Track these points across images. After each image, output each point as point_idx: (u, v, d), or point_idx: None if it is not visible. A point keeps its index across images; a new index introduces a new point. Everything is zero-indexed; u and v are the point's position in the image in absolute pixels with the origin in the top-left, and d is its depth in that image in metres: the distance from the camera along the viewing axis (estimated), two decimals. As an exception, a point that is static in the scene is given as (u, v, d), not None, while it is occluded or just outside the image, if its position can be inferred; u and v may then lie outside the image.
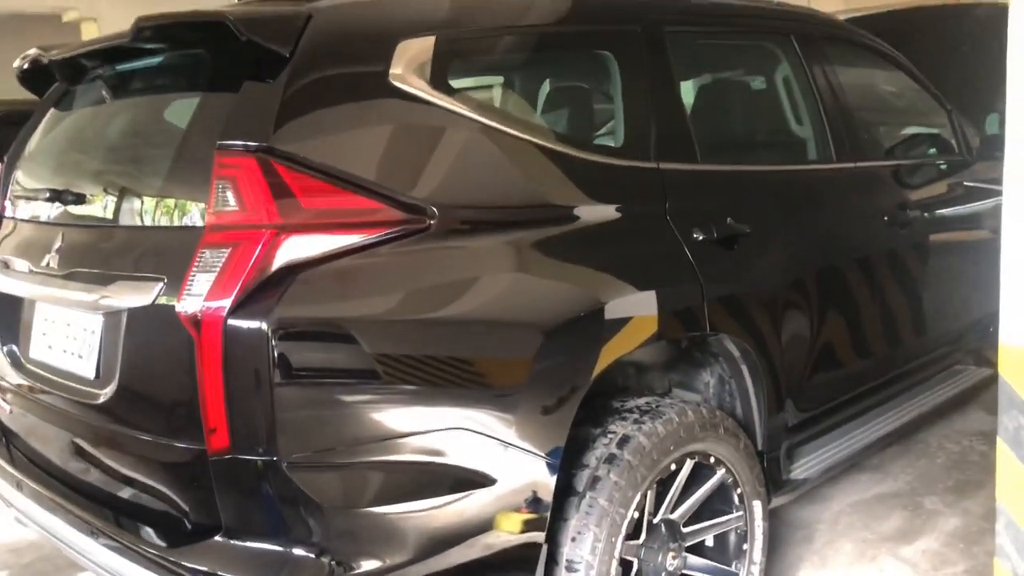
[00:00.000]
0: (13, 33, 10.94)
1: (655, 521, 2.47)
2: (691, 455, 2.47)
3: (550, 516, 2.21)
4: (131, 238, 2.15)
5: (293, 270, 1.83)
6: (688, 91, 2.95)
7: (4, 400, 2.67)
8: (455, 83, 2.18)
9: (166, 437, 1.97)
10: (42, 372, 2.38)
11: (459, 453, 1.99)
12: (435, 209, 2.01)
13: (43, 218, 2.47)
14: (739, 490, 2.63)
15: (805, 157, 3.20)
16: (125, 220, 2.18)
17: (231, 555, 1.88)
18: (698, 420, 2.46)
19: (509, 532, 2.08)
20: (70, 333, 2.24)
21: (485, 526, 2.05)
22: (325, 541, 1.88)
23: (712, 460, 2.54)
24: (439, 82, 2.12)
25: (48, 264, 2.32)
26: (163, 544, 1.98)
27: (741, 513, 2.65)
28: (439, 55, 2.13)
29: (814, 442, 3.09)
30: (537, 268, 2.15)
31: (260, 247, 1.80)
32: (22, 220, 2.59)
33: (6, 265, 2.54)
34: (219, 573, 1.86)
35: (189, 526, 1.98)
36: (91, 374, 2.15)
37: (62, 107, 2.67)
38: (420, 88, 2.08)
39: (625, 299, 2.28)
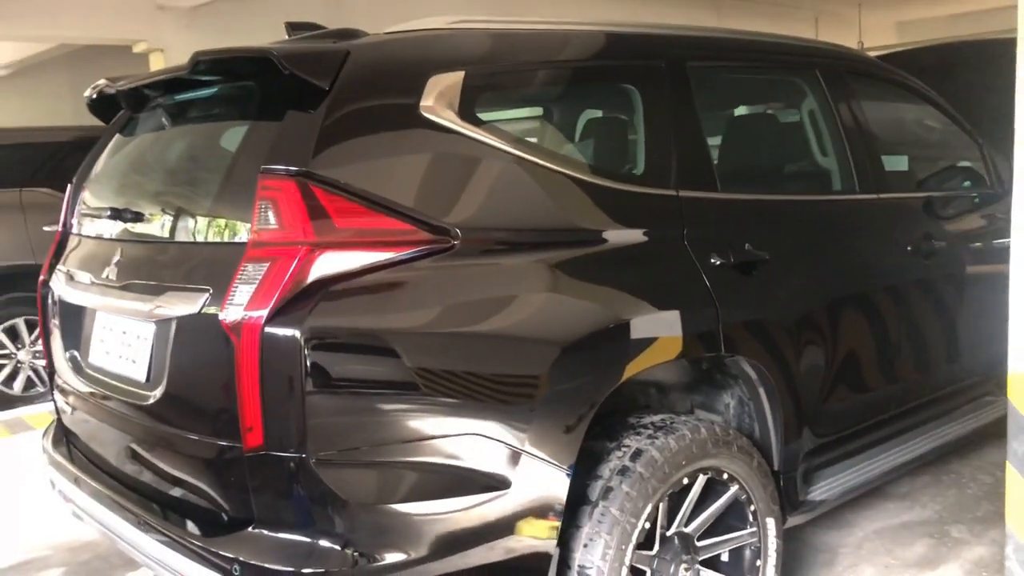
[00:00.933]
0: (88, 63, 11.49)
1: (668, 534, 2.57)
2: (704, 471, 2.57)
3: (564, 523, 2.34)
4: (182, 253, 2.35)
5: (326, 283, 2.00)
6: (715, 122, 3.08)
7: (66, 402, 2.89)
8: (483, 115, 2.35)
9: (207, 436, 2.14)
10: (100, 376, 2.58)
11: (476, 458, 2.13)
12: (459, 230, 2.17)
13: (104, 234, 2.68)
14: (752, 507, 2.72)
15: (827, 188, 3.30)
16: (177, 236, 2.38)
17: (263, 545, 2.04)
18: (711, 437, 2.57)
19: (523, 536, 2.21)
20: (125, 340, 2.44)
21: (500, 529, 2.18)
22: (349, 534, 2.03)
23: (725, 476, 2.64)
24: (467, 114, 2.29)
25: (107, 276, 2.53)
26: (203, 535, 2.15)
27: (755, 530, 2.74)
28: (467, 89, 2.30)
29: (834, 466, 3.15)
30: (556, 286, 2.29)
31: (296, 262, 1.97)
32: (86, 236, 2.81)
33: (71, 277, 2.76)
34: (251, 561, 2.02)
35: (226, 519, 2.15)
36: (142, 377, 2.35)
37: (125, 133, 2.90)
38: (449, 119, 2.24)
39: (642, 318, 2.41)
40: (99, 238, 2.72)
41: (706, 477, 2.59)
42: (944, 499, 4.02)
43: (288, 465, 1.98)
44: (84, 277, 2.68)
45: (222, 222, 2.25)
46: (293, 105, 2.15)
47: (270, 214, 2.03)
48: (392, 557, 2.07)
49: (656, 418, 2.59)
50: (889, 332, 3.28)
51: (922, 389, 3.51)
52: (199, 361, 2.17)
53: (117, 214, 2.58)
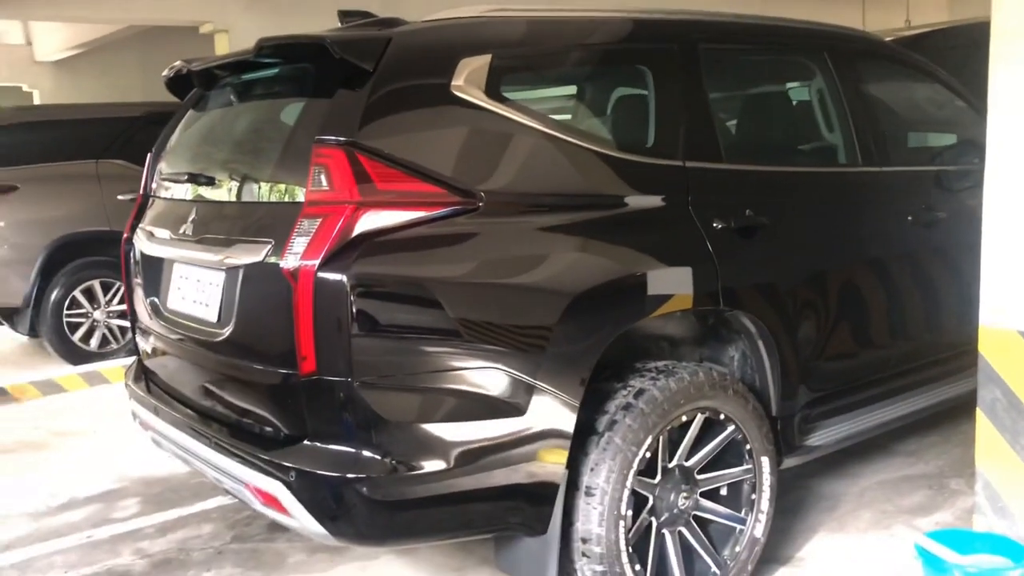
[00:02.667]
0: (156, 43, 12.05)
1: (670, 466, 2.91)
2: (701, 410, 2.89)
3: (575, 450, 2.69)
4: (247, 211, 2.74)
5: (368, 237, 2.36)
6: (726, 100, 3.38)
7: (146, 343, 3.31)
8: (508, 93, 2.68)
9: (269, 365, 2.53)
10: (176, 319, 2.99)
11: (496, 389, 2.48)
12: (483, 193, 2.51)
13: (181, 197, 3.09)
14: (748, 446, 3.03)
15: (829, 161, 3.57)
16: (244, 197, 2.77)
17: (315, 455, 2.42)
18: (708, 380, 2.89)
19: (536, 459, 2.56)
20: (199, 286, 2.84)
21: (518, 451, 2.53)
22: (387, 446, 2.40)
23: (722, 417, 2.96)
24: (493, 92, 2.63)
25: (184, 232, 2.93)
26: (264, 450, 2.54)
27: (750, 466, 3.06)
28: (494, 70, 2.63)
29: (832, 416, 3.44)
30: (568, 244, 2.63)
31: (343, 218, 2.34)
32: (165, 199, 3.22)
33: (151, 235, 3.17)
34: (305, 468, 2.41)
35: (283, 436, 2.54)
36: (214, 318, 2.74)
37: (198, 109, 3.30)
38: (476, 97, 2.59)
39: (646, 272, 2.73)
40: (176, 200, 3.13)
41: (704, 416, 2.91)
42: (949, 456, 4.28)
43: (335, 388, 2.36)
44: (163, 234, 3.08)
45: (282, 185, 2.63)
46: (343, 85, 2.51)
47: (322, 177, 2.40)
48: (424, 467, 2.44)
49: (660, 363, 2.92)
50: (886, 296, 3.54)
51: (921, 351, 3.75)
52: (262, 302, 2.56)
53: (192, 179, 2.98)
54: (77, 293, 6.84)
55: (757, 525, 3.09)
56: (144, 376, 3.35)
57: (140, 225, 3.31)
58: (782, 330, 3.13)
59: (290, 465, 2.44)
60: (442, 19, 2.76)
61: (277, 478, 2.46)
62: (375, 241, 2.37)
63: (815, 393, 3.35)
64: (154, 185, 3.35)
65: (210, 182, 2.90)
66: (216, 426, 2.79)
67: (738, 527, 3.06)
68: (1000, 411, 2.79)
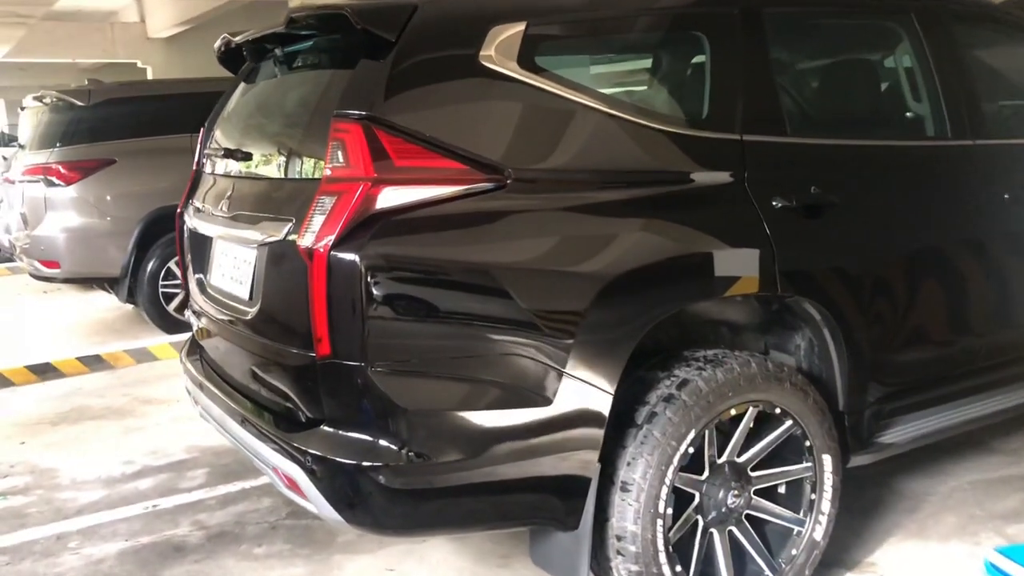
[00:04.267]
0: (260, 18, 12.26)
1: (719, 461, 2.72)
2: (753, 403, 2.69)
3: (612, 443, 2.54)
4: (275, 187, 2.67)
5: (385, 215, 2.25)
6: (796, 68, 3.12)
7: (196, 319, 3.32)
8: (545, 63, 2.52)
9: (290, 346, 2.46)
10: (217, 296, 2.97)
11: (521, 377, 2.35)
12: (512, 170, 2.37)
13: (222, 172, 3.06)
14: (808, 443, 2.81)
15: (912, 134, 3.27)
16: (272, 173, 2.71)
17: (331, 441, 2.35)
18: (761, 372, 2.68)
19: (566, 451, 2.42)
20: (235, 264, 2.80)
21: (545, 442, 2.39)
22: (405, 435, 2.30)
23: (778, 411, 2.74)
24: (528, 62, 2.46)
25: (223, 208, 2.89)
26: (285, 431, 2.49)
27: (810, 464, 2.84)
28: (529, 39, 2.47)
29: (910, 412, 3.17)
30: (603, 226, 2.46)
31: (358, 195, 2.24)
32: (210, 174, 3.20)
33: (199, 210, 3.16)
34: (319, 454, 2.34)
35: (304, 418, 2.48)
36: (246, 295, 2.70)
37: (248, 81, 3.25)
38: (509, 68, 2.43)
39: (685, 256, 2.54)
40: (218, 175, 3.10)
41: (756, 410, 2.71)
42: (1055, 458, 3.93)
43: (350, 372, 2.27)
44: (207, 209, 3.06)
45: (306, 161, 2.55)
46: (366, 56, 2.40)
47: (339, 153, 2.30)
48: (443, 457, 2.34)
49: (709, 352, 2.72)
50: (974, 283, 3.23)
51: (1017, 344, 3.42)
52: (284, 281, 2.49)
53: (230, 154, 2.94)
54: (172, 264, 7.02)
55: (817, 527, 2.87)
56: (195, 351, 3.36)
57: (191, 200, 3.30)
58: (851, 319, 2.88)
59: (308, 450, 2.37)
60: (476, -15, 2.61)
61: (297, 462, 2.40)
62: (393, 220, 2.26)
63: (889, 387, 3.08)
64: (204, 159, 3.34)
65: (246, 157, 2.86)
66: (246, 405, 2.75)
67: (796, 528, 2.85)
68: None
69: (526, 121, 2.47)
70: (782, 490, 2.90)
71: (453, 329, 2.32)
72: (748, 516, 2.80)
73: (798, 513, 2.86)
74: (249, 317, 2.67)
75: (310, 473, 2.37)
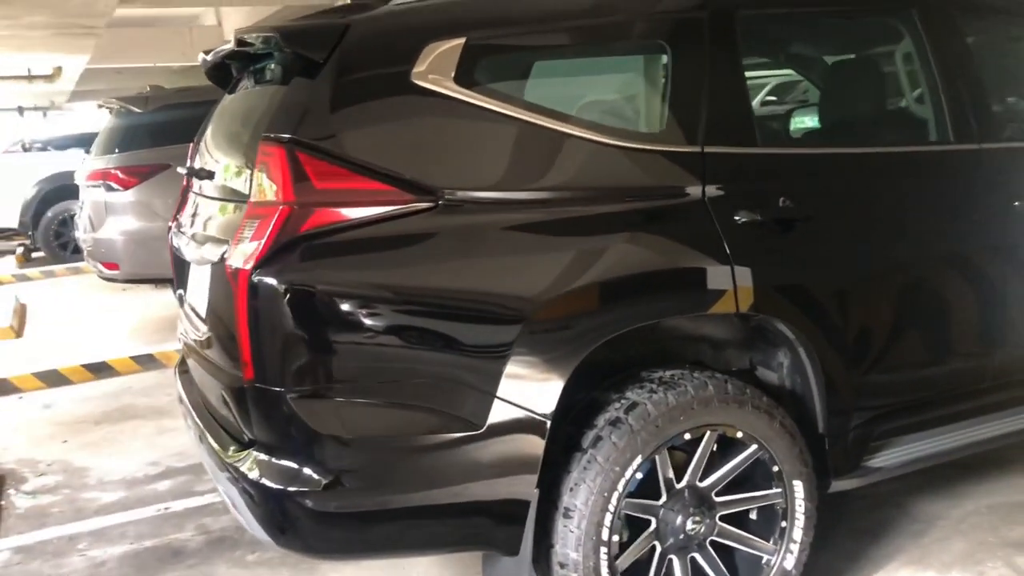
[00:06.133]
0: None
1: (679, 486, 2.62)
2: (711, 427, 2.58)
3: (559, 467, 2.48)
4: (220, 208, 2.69)
5: (307, 238, 2.23)
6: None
7: (182, 334, 3.38)
8: (487, 79, 2.46)
9: (229, 367, 2.49)
10: (190, 312, 3.02)
11: (449, 402, 2.31)
12: (444, 191, 2.32)
13: (195, 189, 3.10)
14: (776, 468, 2.68)
15: (910, 139, 3.07)
16: (220, 193, 2.73)
17: (262, 465, 2.35)
18: (718, 394, 2.57)
19: (499, 478, 2.37)
20: (198, 283, 2.84)
21: (476, 470, 2.35)
22: (330, 460, 2.30)
23: (740, 435, 2.63)
24: (467, 79, 2.41)
25: (191, 227, 2.94)
26: (227, 452, 2.51)
27: (779, 490, 2.71)
28: (469, 54, 2.41)
29: (902, 435, 2.99)
30: (538, 248, 2.39)
31: (276, 219, 2.23)
32: (188, 190, 3.25)
33: (178, 227, 3.21)
34: (248, 475, 2.35)
35: (245, 441, 2.49)
36: (203, 315, 2.74)
37: (226, 98, 3.29)
38: (444, 85, 2.38)
39: (637, 278, 2.45)
40: (192, 192, 3.15)
41: (715, 434, 2.60)
42: (1089, 481, 3.66)
43: (273, 397, 2.27)
44: (184, 227, 3.12)
45: (244, 182, 2.55)
46: (298, 76, 2.39)
47: (264, 176, 2.30)
48: (371, 483, 2.32)
49: (666, 373, 2.62)
50: (973, 299, 3.02)
51: (1011, 367, 3.16)
52: (222, 303, 2.51)
53: (197, 172, 2.98)
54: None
55: (788, 556, 2.75)
56: (183, 367, 3.43)
57: (177, 217, 3.36)
58: (828, 339, 2.74)
59: (242, 473, 2.39)
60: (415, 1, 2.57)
61: (235, 484, 2.43)
62: (315, 243, 2.25)
63: (876, 409, 2.91)
64: (186, 176, 3.39)
65: (209, 176, 2.89)
66: (204, 423, 2.79)
67: (764, 557, 2.73)
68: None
69: (461, 140, 2.42)
70: (754, 516, 2.78)
71: (378, 353, 2.29)
72: (715, 543, 2.70)
73: (768, 541, 2.74)
74: (203, 337, 2.71)
75: (245, 495, 2.38)
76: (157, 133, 7.22)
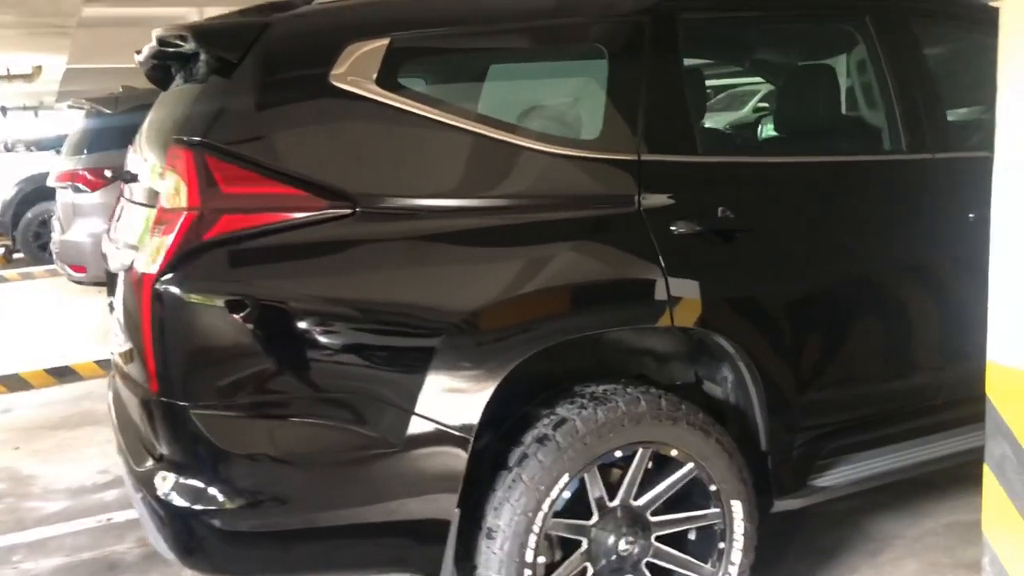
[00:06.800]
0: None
1: (611, 505, 2.53)
2: (643, 444, 2.48)
3: (485, 485, 2.39)
4: (138, 213, 2.59)
5: (213, 245, 2.14)
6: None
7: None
8: (411, 82, 2.37)
9: (141, 379, 2.39)
10: (115, 322, 2.91)
11: (360, 419, 2.21)
12: (360, 197, 2.23)
13: (123, 194, 3.00)
14: (713, 487, 2.59)
15: (859, 149, 2.97)
16: (137, 198, 2.63)
17: (169, 482, 2.25)
18: (651, 411, 2.47)
19: (419, 494, 2.27)
20: (120, 291, 2.74)
21: (392, 488, 2.25)
22: (236, 478, 2.20)
23: (674, 453, 2.53)
24: (389, 81, 2.31)
25: (116, 232, 2.84)
26: (139, 468, 2.41)
27: (718, 510, 2.62)
28: (393, 55, 2.32)
29: (852, 454, 2.89)
30: (457, 258, 2.30)
31: (180, 225, 2.13)
32: (120, 195, 3.15)
33: (108, 234, 3.11)
34: (153, 491, 2.24)
35: (157, 456, 2.39)
36: (123, 324, 2.63)
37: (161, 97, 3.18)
38: (363, 88, 2.28)
39: (562, 290, 2.36)
40: (122, 196, 3.05)
41: (648, 451, 2.50)
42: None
43: (176, 412, 2.17)
44: (112, 232, 3.02)
45: (157, 188, 2.45)
46: (215, 77, 2.30)
47: (171, 181, 2.20)
48: (282, 502, 2.22)
49: (599, 388, 2.53)
50: (925, 313, 2.92)
51: (962, 383, 3.00)
52: (132, 312, 2.41)
53: (124, 176, 2.88)
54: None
55: (727, 579, 2.64)
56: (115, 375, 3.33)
57: (111, 221, 3.26)
58: (769, 354, 2.65)
59: (149, 489, 2.29)
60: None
61: (138, 492, 2.33)
62: (221, 251, 2.15)
63: (823, 427, 2.82)
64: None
65: (134, 179, 2.79)
66: (124, 435, 2.68)
67: (702, 580, 2.64)
68: (1010, 471, 2.20)
69: (382, 145, 2.32)
70: (693, 537, 2.69)
71: (287, 368, 2.19)
72: (651, 565, 2.60)
73: (707, 563, 2.64)
74: (123, 348, 2.61)
75: (153, 513, 2.29)
76: (128, 134, 7.09)
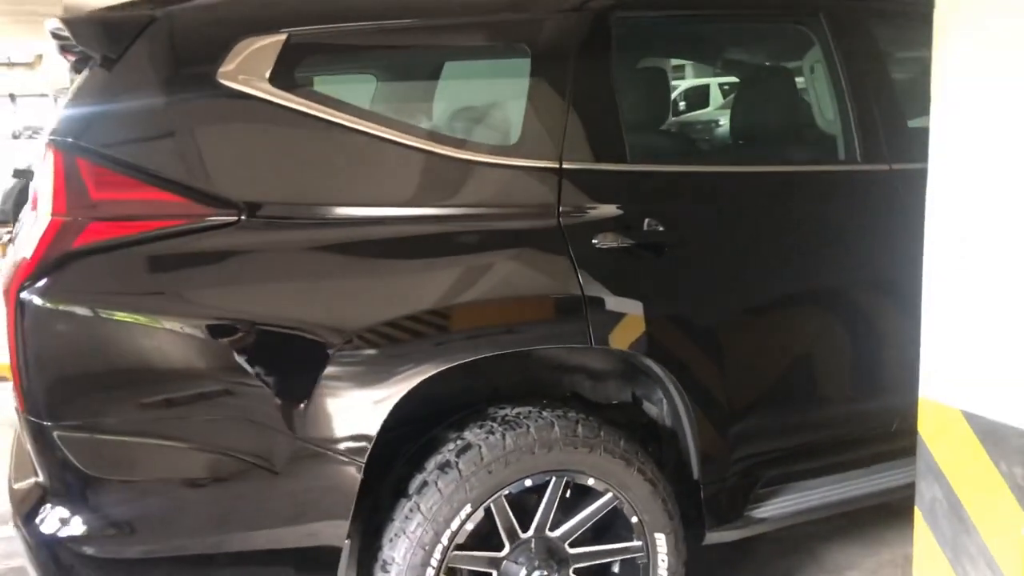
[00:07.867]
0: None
1: (525, 536, 2.37)
2: (556, 472, 2.32)
3: (385, 513, 2.24)
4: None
5: (80, 254, 1.98)
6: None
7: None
8: (309, 81, 2.22)
9: (13, 395, 2.24)
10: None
11: (238, 442, 2.06)
12: (247, 204, 2.08)
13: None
14: (635, 519, 2.42)
15: (806, 159, 2.78)
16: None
17: (36, 505, 2.11)
18: (565, 436, 2.30)
19: (303, 522, 2.13)
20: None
21: (276, 513, 2.11)
22: (104, 507, 2.05)
23: (591, 482, 2.37)
24: (285, 80, 2.15)
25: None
26: (15, 484, 2.27)
27: (640, 543, 2.45)
28: (290, 52, 2.16)
29: (793, 483, 2.72)
30: (345, 270, 2.14)
31: (45, 232, 1.99)
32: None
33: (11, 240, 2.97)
34: (24, 518, 2.10)
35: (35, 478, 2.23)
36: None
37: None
38: (256, 87, 2.12)
39: (463, 308, 2.20)
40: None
41: (562, 480, 2.34)
42: None
43: (41, 431, 2.03)
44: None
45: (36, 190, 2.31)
46: (94, 73, 2.15)
47: (43, 185, 2.06)
48: (152, 532, 2.08)
49: (512, 410, 2.37)
50: (868, 337, 2.73)
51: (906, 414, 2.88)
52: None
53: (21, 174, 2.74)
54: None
55: (650, 616, 2.48)
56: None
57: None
58: (699, 377, 2.47)
59: (22, 507, 2.15)
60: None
61: (16, 524, 2.19)
62: (88, 260, 2.00)
63: (761, 455, 2.65)
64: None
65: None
66: (13, 452, 2.54)
67: (624, 617, 2.47)
68: (940, 515, 2.03)
69: (274, 149, 2.16)
70: (617, 570, 2.52)
71: (156, 387, 2.04)
72: (569, 598, 2.44)
73: (629, 599, 2.48)
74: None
75: (23, 539, 2.14)
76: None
